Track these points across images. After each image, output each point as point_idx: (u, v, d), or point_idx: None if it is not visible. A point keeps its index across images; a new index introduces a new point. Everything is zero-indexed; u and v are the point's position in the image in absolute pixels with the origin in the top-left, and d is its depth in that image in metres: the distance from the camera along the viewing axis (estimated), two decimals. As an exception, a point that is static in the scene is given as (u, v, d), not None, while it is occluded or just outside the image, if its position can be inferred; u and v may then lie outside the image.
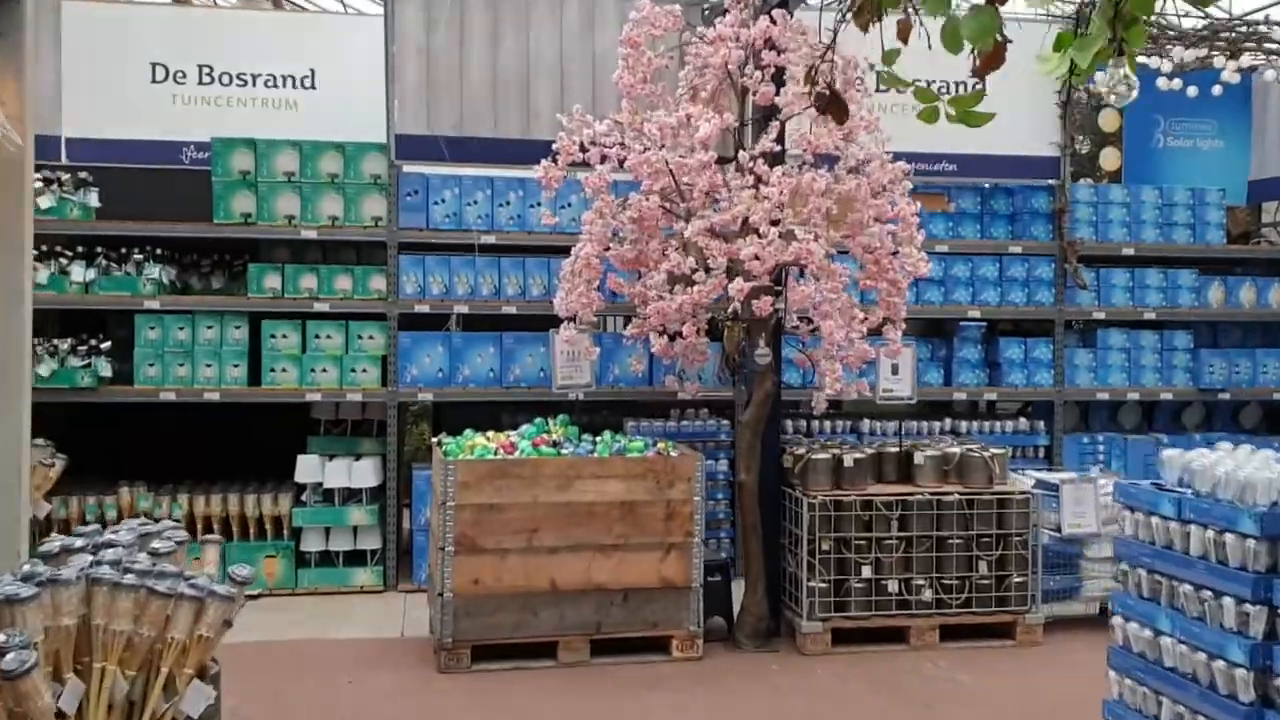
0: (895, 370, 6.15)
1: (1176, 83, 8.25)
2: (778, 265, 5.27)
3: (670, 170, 5.41)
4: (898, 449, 6.24)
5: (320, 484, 6.96)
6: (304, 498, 7.00)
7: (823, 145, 5.22)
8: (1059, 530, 6.25)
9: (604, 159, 5.65)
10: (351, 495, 7.02)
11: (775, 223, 5.16)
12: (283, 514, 6.89)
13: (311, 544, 6.92)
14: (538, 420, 6.21)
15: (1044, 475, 6.49)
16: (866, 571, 5.91)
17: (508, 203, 7.14)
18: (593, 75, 7.12)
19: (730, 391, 7.22)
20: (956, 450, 6.17)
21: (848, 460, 5.97)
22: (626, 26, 5.88)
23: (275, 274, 6.98)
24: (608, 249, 5.83)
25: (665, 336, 5.86)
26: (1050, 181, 7.82)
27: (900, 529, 5.95)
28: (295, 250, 7.56)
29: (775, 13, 5.60)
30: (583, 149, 5.68)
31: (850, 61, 5.45)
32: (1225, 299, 8.04)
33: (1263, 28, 8.52)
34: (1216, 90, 8.34)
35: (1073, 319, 7.88)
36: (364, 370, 7.01)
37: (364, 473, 6.92)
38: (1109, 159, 8.87)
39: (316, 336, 7.01)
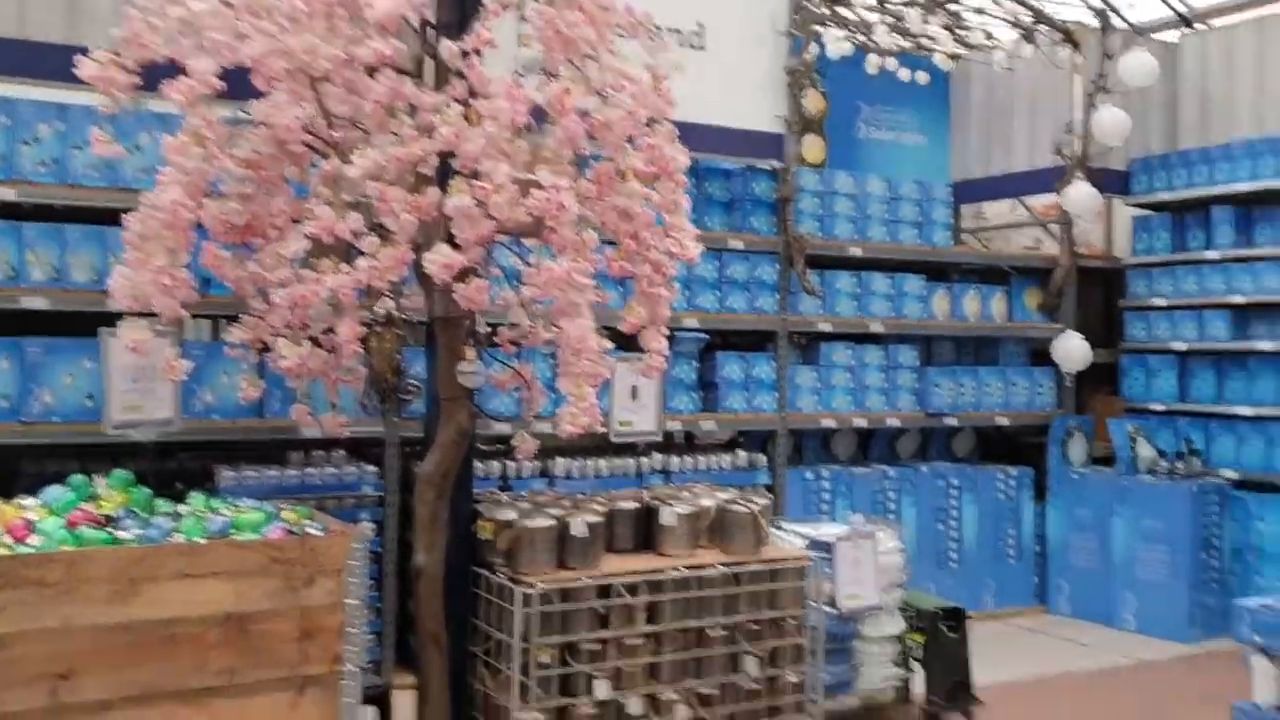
0: (635, 394, 4.40)
1: (891, 62, 7.19)
2: (502, 229, 3.31)
3: (323, 73, 3.30)
4: (636, 505, 4.46)
5: None
6: None
7: (577, 40, 3.28)
8: (833, 605, 4.74)
9: (201, 52, 3.40)
10: None
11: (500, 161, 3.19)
12: None
13: None
14: (77, 479, 3.81)
15: (808, 530, 4.97)
16: (602, 689, 4.06)
17: (37, 139, 4.59)
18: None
19: (380, 425, 5.13)
20: (711, 503, 4.49)
21: (577, 527, 4.09)
22: None
23: None
24: (203, 202, 3.57)
25: (302, 342, 3.67)
26: (774, 163, 6.42)
27: (649, 621, 4.17)
28: None
29: None
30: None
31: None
32: (950, 310, 7.03)
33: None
34: (922, 78, 7.37)
35: (796, 330, 6.52)
36: None
37: None
38: (812, 147, 7.68)
39: None
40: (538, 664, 3.95)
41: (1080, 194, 7.05)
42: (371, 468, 5.15)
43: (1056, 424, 7.28)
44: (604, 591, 4.09)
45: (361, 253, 3.32)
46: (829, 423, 6.57)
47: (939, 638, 4.89)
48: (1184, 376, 7.28)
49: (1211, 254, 7.10)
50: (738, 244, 6.23)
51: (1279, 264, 6.72)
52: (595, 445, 5.58)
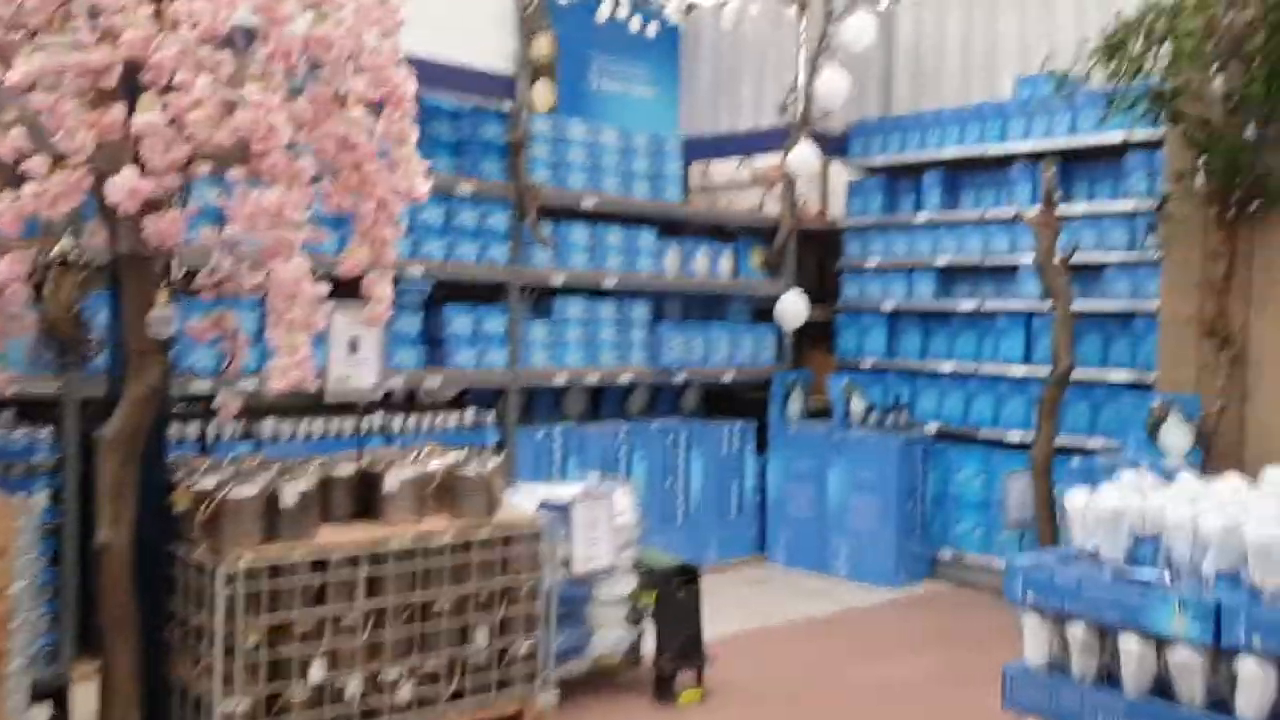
0: (355, 347, 4.00)
1: (623, 10, 7.02)
2: (201, 154, 2.84)
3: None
4: (354, 468, 4.09)
5: None
6: None
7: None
8: (567, 568, 4.57)
9: None
10: None
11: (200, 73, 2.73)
12: None
13: None
14: None
15: (543, 492, 4.77)
16: (316, 672, 3.70)
17: None
18: None
19: (55, 383, 4.49)
20: (439, 466, 4.20)
21: (287, 496, 3.69)
22: None
23: None
24: None
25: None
26: (506, 105, 6.11)
27: (369, 596, 3.83)
28: None
29: None
30: None
31: None
32: (681, 266, 7.00)
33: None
34: (653, 30, 7.27)
35: (528, 283, 6.27)
36: None
37: None
38: (542, 94, 7.41)
39: None
40: (244, 648, 3.54)
41: (803, 155, 7.18)
42: (46, 430, 4.52)
43: (777, 379, 7.44)
44: (319, 566, 3.73)
45: (24, 179, 2.77)
46: (562, 379, 6.40)
47: (671, 596, 4.83)
48: (893, 334, 7.61)
49: (920, 217, 7.43)
50: (467, 189, 5.91)
51: (980, 227, 7.11)
52: (308, 405, 5.14)
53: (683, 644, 4.80)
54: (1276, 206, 5.59)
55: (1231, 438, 5.81)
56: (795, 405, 7.53)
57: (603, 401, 7.18)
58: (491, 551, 4.16)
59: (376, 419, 5.52)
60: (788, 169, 7.25)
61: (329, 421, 5.37)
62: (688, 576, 4.91)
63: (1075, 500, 3.40)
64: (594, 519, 4.63)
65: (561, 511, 4.55)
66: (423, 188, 3.46)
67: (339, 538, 3.83)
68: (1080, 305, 6.30)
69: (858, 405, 7.28)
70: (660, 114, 7.97)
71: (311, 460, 4.16)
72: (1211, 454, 5.87)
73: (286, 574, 3.64)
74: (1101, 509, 3.28)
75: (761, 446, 7.45)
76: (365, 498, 4.07)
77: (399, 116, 3.33)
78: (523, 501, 4.62)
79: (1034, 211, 6.34)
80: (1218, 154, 5.61)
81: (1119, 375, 6.43)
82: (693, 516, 7.01)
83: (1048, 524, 6.30)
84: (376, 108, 3.31)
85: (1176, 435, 6.01)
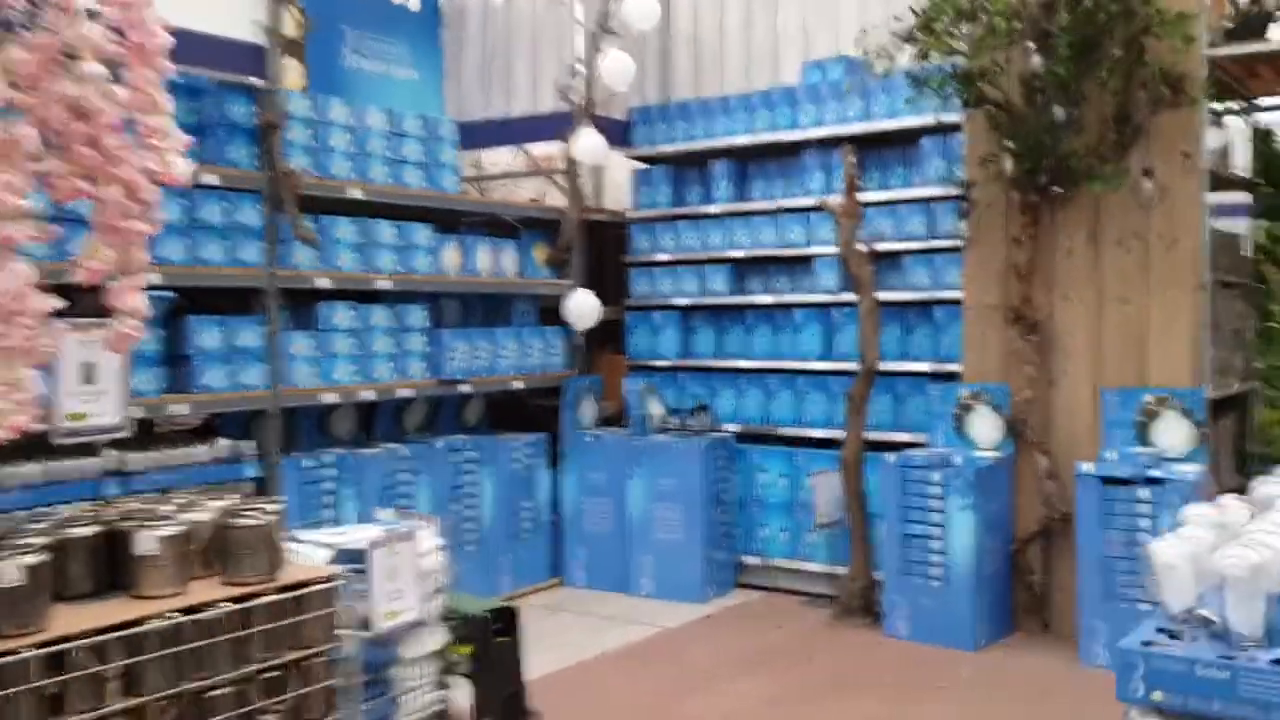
0: (90, 376, 3.07)
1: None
2: None
3: None
4: (96, 529, 3.19)
5: None
6: None
7: None
8: (368, 627, 3.81)
9: None
10: None
11: None
12: None
13: None
14: None
15: (332, 538, 3.97)
16: (56, 801, 2.81)
17: None
18: None
19: None
20: (206, 517, 3.35)
21: (8, 572, 2.77)
22: None
23: None
24: None
25: None
26: (255, 81, 5.22)
27: (126, 694, 2.96)
28: None
29: None
30: None
31: None
32: (463, 264, 6.30)
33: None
34: (414, 5, 6.55)
35: (288, 286, 5.40)
36: None
37: None
38: (289, 73, 6.51)
39: None
40: (-51, 788, 2.62)
41: (590, 143, 6.65)
42: None
43: (569, 386, 6.87)
44: (55, 662, 2.83)
45: None
46: (331, 397, 5.58)
47: (489, 647, 4.16)
48: (687, 332, 7.21)
49: (711, 208, 7.06)
50: (212, 179, 4.99)
51: (772, 218, 6.81)
52: (21, 444, 4.12)
53: (505, 703, 4.15)
54: (1079, 189, 5.54)
55: (1040, 425, 5.74)
56: (588, 412, 6.99)
57: (377, 420, 6.35)
58: (278, 618, 3.36)
59: (111, 456, 4.54)
60: (576, 156, 6.70)
61: (49, 464, 4.35)
62: (506, 623, 4.25)
63: (1170, 551, 2.64)
64: (395, 566, 3.88)
65: (358, 559, 3.79)
66: (182, 167, 2.65)
67: (81, 620, 2.94)
68: (879, 295, 6.09)
69: (656, 409, 6.83)
70: (423, 97, 7.21)
71: (34, 518, 3.23)
72: (1021, 443, 5.78)
73: (9, 677, 2.73)
74: (1230, 566, 2.48)
75: (554, 460, 6.86)
76: (112, 565, 3.18)
77: (149, 78, 2.51)
78: (309, 552, 3.82)
79: (836, 199, 6.07)
80: (1021, 137, 5.50)
81: (921, 366, 6.27)
82: (486, 543, 6.33)
83: (859, 523, 6.06)
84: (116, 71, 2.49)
85: (986, 425, 5.90)
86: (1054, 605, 5.72)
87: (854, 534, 6.06)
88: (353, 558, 3.84)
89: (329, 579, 3.56)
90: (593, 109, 6.82)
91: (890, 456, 5.76)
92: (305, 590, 3.48)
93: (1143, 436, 5.43)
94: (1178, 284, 5.41)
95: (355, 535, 4.05)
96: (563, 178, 7.07)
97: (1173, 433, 5.40)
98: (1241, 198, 6.60)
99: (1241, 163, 6.35)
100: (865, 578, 6.02)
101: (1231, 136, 6.25)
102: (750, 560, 6.74)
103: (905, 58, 5.51)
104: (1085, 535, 5.27)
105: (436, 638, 4.14)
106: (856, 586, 6.02)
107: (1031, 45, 5.25)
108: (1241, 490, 3.52)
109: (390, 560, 3.90)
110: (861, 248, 5.98)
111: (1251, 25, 5.32)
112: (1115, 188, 5.32)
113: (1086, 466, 5.29)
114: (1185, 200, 5.37)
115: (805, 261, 6.70)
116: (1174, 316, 5.42)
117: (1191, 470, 5.15)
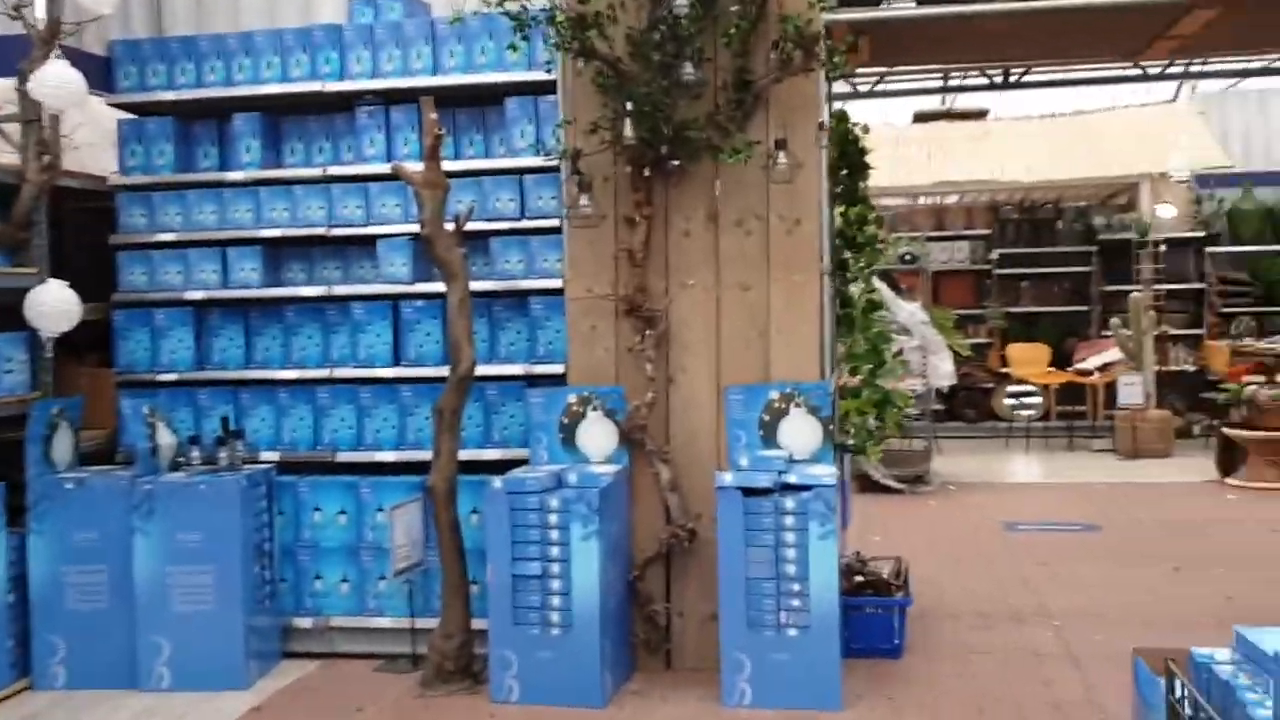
0: None
1: None
2: None
3: None
4: None
5: None
6: None
7: None
8: None
9: None
10: None
11: None
12: None
13: None
14: None
15: None
16: None
17: None
18: None
19: None
20: None
21: None
22: None
23: None
24: None
25: None
26: None
27: None
28: None
29: None
30: None
31: None
32: None
33: None
34: None
35: None
36: None
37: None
38: None
39: None
40: None
41: (60, 78, 4.81)
42: None
43: (37, 412, 4.97)
44: None
45: None
46: None
47: None
48: (204, 335, 5.57)
49: (235, 174, 5.49)
50: None
51: (320, 188, 5.43)
52: None
53: None
54: (699, 163, 4.87)
55: (657, 430, 5.01)
56: (63, 447, 5.12)
57: None
58: None
59: None
60: (38, 98, 4.82)
61: None
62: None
63: None
64: None
65: None
66: None
67: None
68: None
69: (166, 438, 5.15)
70: None
71: None
72: (638, 452, 5.01)
73: None
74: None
75: (14, 517, 4.92)
76: None
77: None
78: None
79: (414, 167, 4.88)
80: (637, 99, 4.71)
81: (514, 369, 5.29)
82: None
83: (454, 564, 4.93)
84: None
85: (598, 434, 5.06)
86: (684, 637, 5.01)
87: (447, 579, 4.91)
88: None
89: None
90: (59, 34, 4.99)
91: (496, 481, 4.71)
92: None
93: (770, 438, 4.89)
94: (802, 268, 4.93)
95: None
96: (15, 127, 5.11)
97: (801, 432, 4.92)
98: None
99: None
100: (463, 632, 4.90)
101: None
102: (301, 622, 5.31)
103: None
104: (727, 556, 4.60)
105: None
106: (451, 645, 4.87)
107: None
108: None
109: None
110: (449, 226, 4.85)
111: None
112: (745, 160, 4.71)
113: (727, 477, 4.63)
114: (806, 179, 4.91)
115: (365, 243, 5.41)
116: (797, 304, 4.94)
117: (827, 473, 4.68)
